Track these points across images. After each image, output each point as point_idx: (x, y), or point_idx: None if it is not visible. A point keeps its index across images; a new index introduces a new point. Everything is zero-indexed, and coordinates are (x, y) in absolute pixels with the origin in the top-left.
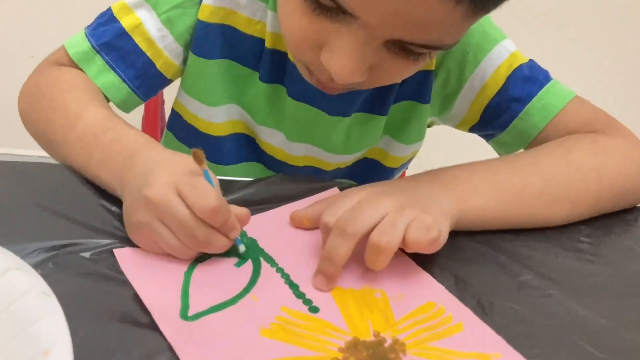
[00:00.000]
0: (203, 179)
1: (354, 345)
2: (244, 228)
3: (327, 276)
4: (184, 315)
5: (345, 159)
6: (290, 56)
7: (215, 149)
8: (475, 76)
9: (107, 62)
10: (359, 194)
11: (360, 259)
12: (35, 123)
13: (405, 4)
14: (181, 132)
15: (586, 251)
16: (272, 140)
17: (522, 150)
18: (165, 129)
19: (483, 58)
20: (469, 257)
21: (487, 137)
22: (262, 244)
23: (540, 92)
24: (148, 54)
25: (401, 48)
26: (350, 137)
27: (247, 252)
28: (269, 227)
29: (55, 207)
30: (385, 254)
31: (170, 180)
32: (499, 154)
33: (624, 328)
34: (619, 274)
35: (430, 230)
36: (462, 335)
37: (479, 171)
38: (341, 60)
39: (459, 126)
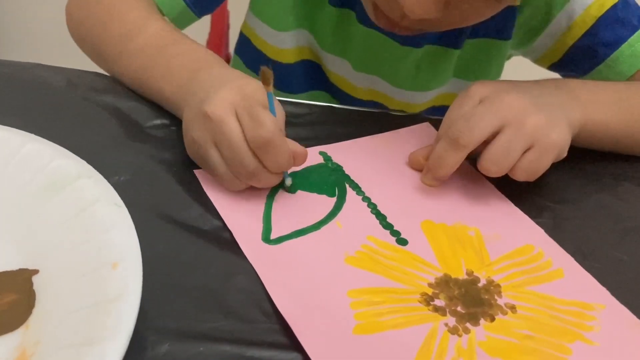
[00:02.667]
0: (263, 107)
1: (445, 282)
2: (330, 152)
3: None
4: (267, 238)
5: (412, 99)
6: None
7: (283, 77)
8: (563, 13)
9: None
10: (480, 90)
11: (456, 193)
12: (87, 31)
13: None
14: (249, 57)
15: None
16: (337, 69)
17: None
18: (233, 52)
19: None
20: (571, 197)
21: (567, 77)
22: (348, 170)
23: (632, 37)
24: None
25: None
26: (420, 71)
27: (333, 177)
28: (356, 155)
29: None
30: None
31: (232, 100)
32: None
33: None
34: None
35: (547, 153)
36: (562, 281)
37: (601, 86)
38: None
39: (538, 61)
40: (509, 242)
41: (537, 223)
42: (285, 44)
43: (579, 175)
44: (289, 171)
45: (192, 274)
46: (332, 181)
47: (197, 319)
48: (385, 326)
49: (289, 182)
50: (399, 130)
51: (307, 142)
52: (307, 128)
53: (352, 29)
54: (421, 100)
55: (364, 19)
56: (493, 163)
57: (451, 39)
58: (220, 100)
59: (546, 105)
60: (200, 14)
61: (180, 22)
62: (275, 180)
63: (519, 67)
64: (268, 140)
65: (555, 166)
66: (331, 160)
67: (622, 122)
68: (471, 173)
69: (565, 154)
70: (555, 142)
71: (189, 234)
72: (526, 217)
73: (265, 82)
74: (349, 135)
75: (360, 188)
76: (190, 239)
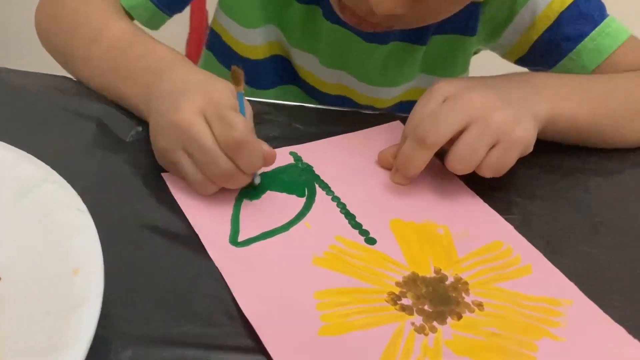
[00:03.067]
0: (233, 110)
1: (413, 281)
2: (300, 153)
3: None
4: (234, 240)
5: (380, 94)
6: None
7: (253, 73)
8: (526, 9)
9: None
10: (444, 88)
11: (425, 190)
12: (54, 37)
13: None
14: (221, 53)
15: None
16: (306, 64)
17: None
18: (204, 47)
19: None
20: (540, 193)
21: (533, 70)
22: (318, 170)
23: (593, 32)
24: None
25: None
26: (387, 67)
27: (303, 177)
28: (327, 155)
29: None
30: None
31: (200, 104)
32: None
33: None
34: None
35: (513, 149)
36: (530, 278)
37: (567, 79)
38: None
39: (505, 56)
40: (478, 239)
41: (507, 219)
42: (255, 40)
43: (548, 171)
44: (259, 172)
45: (158, 278)
46: (302, 181)
47: (162, 323)
48: (351, 327)
49: (257, 180)
50: (370, 129)
51: (278, 142)
52: (277, 128)
53: (319, 25)
54: (389, 95)
55: (330, 15)
56: (459, 162)
57: (417, 35)
58: (188, 106)
59: (511, 100)
60: (171, 14)
61: (153, 24)
62: (247, 180)
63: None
64: (240, 141)
65: (524, 161)
66: (301, 160)
67: (589, 114)
68: (440, 170)
69: (531, 149)
70: (520, 137)
71: (156, 238)
72: (495, 213)
73: (236, 82)
74: (320, 134)
75: (329, 188)
76: (157, 243)
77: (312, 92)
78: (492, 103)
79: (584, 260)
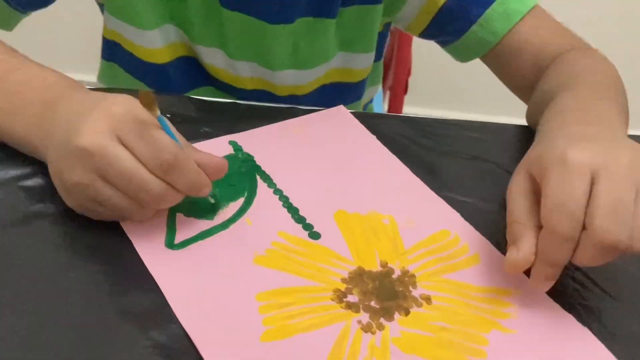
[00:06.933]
0: (152, 126)
1: (359, 276)
2: (240, 142)
3: (546, 277)
4: (170, 243)
5: (297, 79)
6: None
7: (161, 78)
8: None
9: None
10: (582, 167)
11: (370, 180)
12: None
13: None
14: (125, 62)
15: None
16: (214, 60)
17: (480, 57)
18: (101, 60)
19: None
20: (492, 179)
21: (442, 44)
22: (259, 160)
23: None
24: None
25: None
26: (298, 48)
27: (243, 168)
28: (268, 144)
29: None
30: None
31: (108, 126)
32: (456, 59)
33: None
34: None
35: None
36: (478, 267)
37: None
38: None
39: (408, 29)
40: (424, 229)
41: (454, 207)
42: (154, 43)
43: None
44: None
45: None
46: (242, 173)
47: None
48: (295, 329)
49: (211, 200)
50: (313, 114)
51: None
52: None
53: (218, 15)
54: (307, 79)
55: (227, 3)
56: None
57: (324, 8)
58: (94, 130)
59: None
60: (25, 11)
61: (8, 24)
62: (182, 196)
63: None
64: (174, 163)
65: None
66: (242, 150)
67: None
68: (386, 158)
69: None
70: None
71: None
72: (442, 200)
73: (148, 107)
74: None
75: (271, 180)
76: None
77: (228, 90)
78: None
79: None
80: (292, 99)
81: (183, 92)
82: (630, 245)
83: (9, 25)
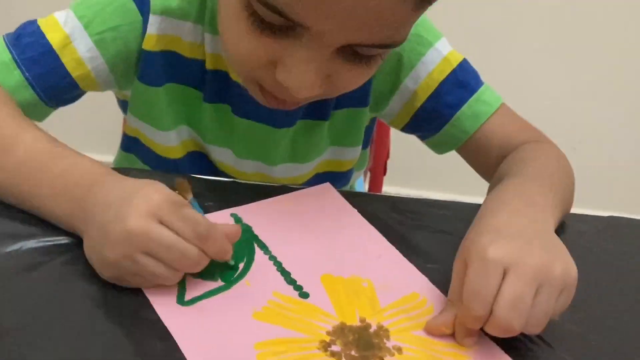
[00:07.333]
0: (188, 207)
1: (341, 330)
2: (240, 214)
3: (465, 336)
4: (181, 300)
5: (295, 172)
6: (232, 75)
7: (174, 169)
8: (409, 79)
9: (27, 79)
10: (497, 264)
11: (352, 248)
12: None
13: (355, 3)
14: (142, 154)
15: None
16: (222, 157)
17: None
18: (119, 150)
19: (417, 63)
20: (454, 249)
21: (421, 138)
22: (257, 230)
23: (471, 99)
24: (73, 75)
25: (354, 53)
26: (297, 146)
27: (243, 237)
28: (264, 216)
29: None
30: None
31: (148, 210)
32: (434, 151)
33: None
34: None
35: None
36: None
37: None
38: (299, 75)
39: (392, 124)
40: (397, 291)
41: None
42: (170, 142)
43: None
44: None
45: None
46: (242, 241)
47: None
48: None
49: (232, 262)
50: (303, 190)
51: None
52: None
53: (230, 121)
54: (304, 171)
55: (239, 112)
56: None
57: (318, 112)
58: (138, 214)
59: (548, 244)
60: (57, 107)
61: (38, 117)
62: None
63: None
64: (207, 234)
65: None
66: (241, 221)
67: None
68: (366, 230)
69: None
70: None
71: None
72: (412, 267)
73: (183, 193)
74: None
75: (267, 247)
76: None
77: None
78: (551, 269)
79: None
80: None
81: None
82: (524, 329)
83: (41, 119)
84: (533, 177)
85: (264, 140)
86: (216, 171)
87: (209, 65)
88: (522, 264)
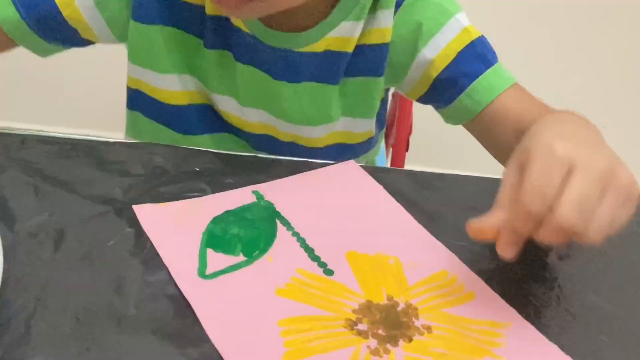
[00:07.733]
0: None
1: (368, 308)
2: (262, 191)
3: (507, 242)
4: (202, 273)
5: (300, 132)
6: (234, 20)
7: (179, 119)
8: (427, 49)
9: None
10: (563, 160)
11: (378, 225)
12: None
13: None
14: (146, 107)
15: None
16: (227, 107)
17: (467, 123)
18: (127, 109)
19: (437, 32)
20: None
21: (435, 107)
22: (279, 207)
23: (487, 71)
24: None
25: None
26: (302, 105)
27: (265, 214)
28: (287, 193)
29: None
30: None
31: None
32: (446, 122)
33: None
34: None
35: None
36: (473, 303)
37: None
38: None
39: (408, 94)
40: (425, 269)
41: (456, 245)
42: (172, 86)
43: None
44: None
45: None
46: (264, 218)
47: None
48: (313, 351)
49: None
50: (327, 167)
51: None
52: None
53: (232, 68)
54: (310, 134)
55: (240, 57)
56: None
57: (327, 76)
58: None
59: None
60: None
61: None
62: None
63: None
64: None
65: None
66: (263, 198)
67: None
68: (392, 207)
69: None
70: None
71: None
72: (441, 244)
73: None
74: None
75: (290, 224)
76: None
77: (238, 134)
78: (612, 162)
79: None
80: (295, 146)
81: (197, 133)
82: (585, 233)
83: (44, 54)
84: (571, 118)
85: (264, 88)
86: (223, 124)
87: (209, 11)
88: (589, 164)
